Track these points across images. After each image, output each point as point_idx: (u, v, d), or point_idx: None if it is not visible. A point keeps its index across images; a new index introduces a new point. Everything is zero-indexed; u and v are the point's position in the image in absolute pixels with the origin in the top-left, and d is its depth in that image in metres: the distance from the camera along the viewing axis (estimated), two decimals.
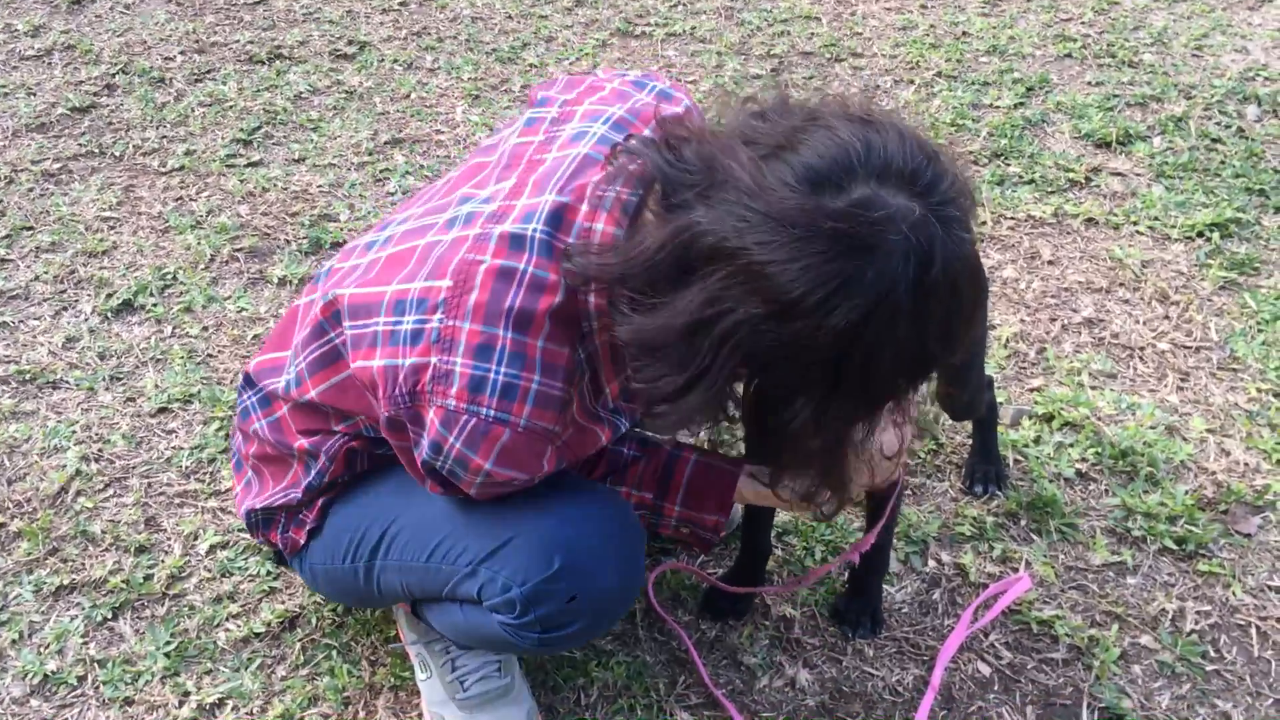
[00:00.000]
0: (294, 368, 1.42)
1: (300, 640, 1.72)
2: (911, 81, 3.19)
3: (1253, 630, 1.73)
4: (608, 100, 1.37)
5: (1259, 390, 2.14)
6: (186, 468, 2.02)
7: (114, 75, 3.25)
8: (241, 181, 2.79)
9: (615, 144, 1.29)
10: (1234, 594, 1.78)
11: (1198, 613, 1.76)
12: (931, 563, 1.84)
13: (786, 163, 1.07)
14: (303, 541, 1.52)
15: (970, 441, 1.97)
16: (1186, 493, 1.93)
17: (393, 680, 1.66)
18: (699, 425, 1.25)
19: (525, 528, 1.34)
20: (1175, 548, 1.85)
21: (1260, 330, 2.28)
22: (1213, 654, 1.70)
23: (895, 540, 1.83)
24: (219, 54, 3.38)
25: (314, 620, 1.75)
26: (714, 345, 1.09)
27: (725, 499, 1.50)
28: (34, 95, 3.15)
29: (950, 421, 2.06)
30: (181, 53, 3.38)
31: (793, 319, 1.04)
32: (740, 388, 1.19)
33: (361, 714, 1.63)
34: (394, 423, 1.27)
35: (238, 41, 3.44)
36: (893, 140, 1.06)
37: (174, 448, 2.06)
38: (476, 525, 1.37)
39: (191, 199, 2.73)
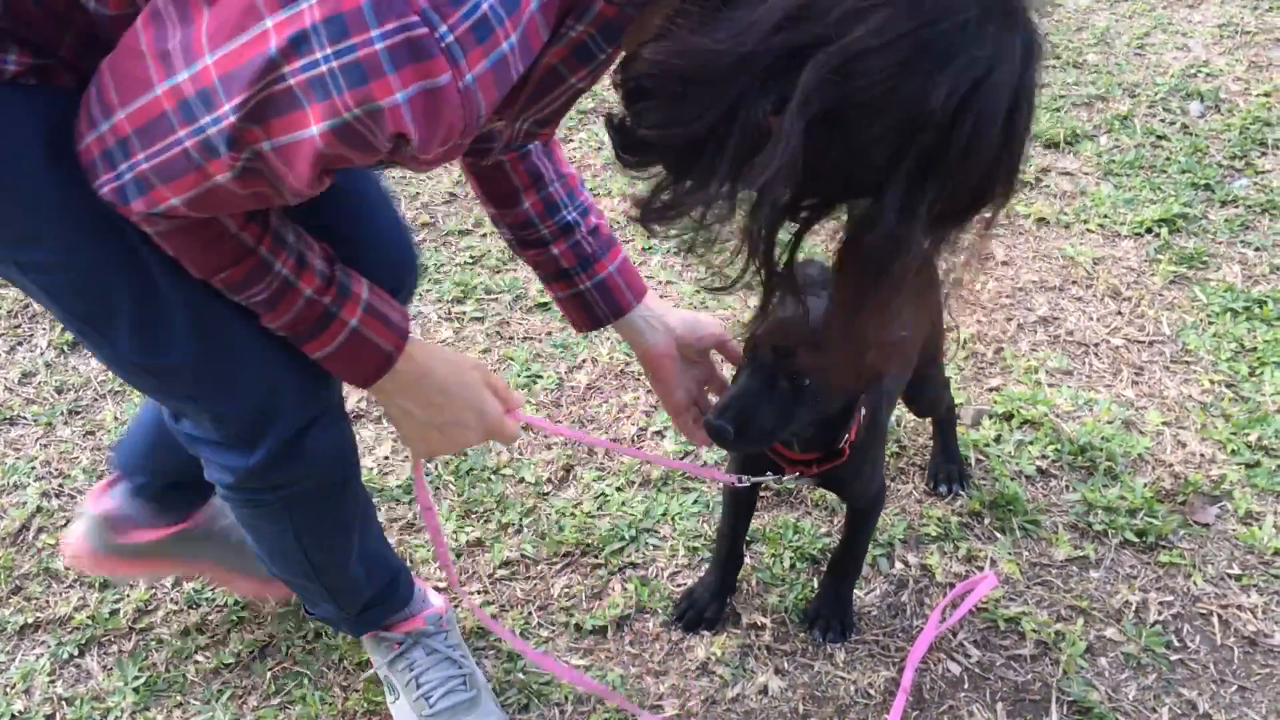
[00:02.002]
0: None
1: (271, 669, 1.71)
2: None
3: (1214, 618, 1.76)
4: None
5: (1211, 382, 2.17)
6: None
7: None
8: None
9: None
10: (1195, 583, 1.81)
11: (1160, 603, 1.78)
12: (899, 564, 1.86)
13: None
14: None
15: (932, 443, 1.99)
16: (1145, 485, 1.96)
17: (365, 705, 1.66)
18: (701, 206, 0.95)
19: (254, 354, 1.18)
20: (1136, 540, 1.88)
21: (1210, 323, 2.32)
22: (1176, 643, 1.73)
23: None
24: None
25: (284, 649, 1.74)
26: (781, 83, 0.84)
27: (638, 291, 1.43)
28: None
29: (912, 421, 2.09)
30: None
31: (907, 59, 0.82)
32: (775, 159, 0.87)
33: None
34: None
35: None
36: None
37: None
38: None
39: None
